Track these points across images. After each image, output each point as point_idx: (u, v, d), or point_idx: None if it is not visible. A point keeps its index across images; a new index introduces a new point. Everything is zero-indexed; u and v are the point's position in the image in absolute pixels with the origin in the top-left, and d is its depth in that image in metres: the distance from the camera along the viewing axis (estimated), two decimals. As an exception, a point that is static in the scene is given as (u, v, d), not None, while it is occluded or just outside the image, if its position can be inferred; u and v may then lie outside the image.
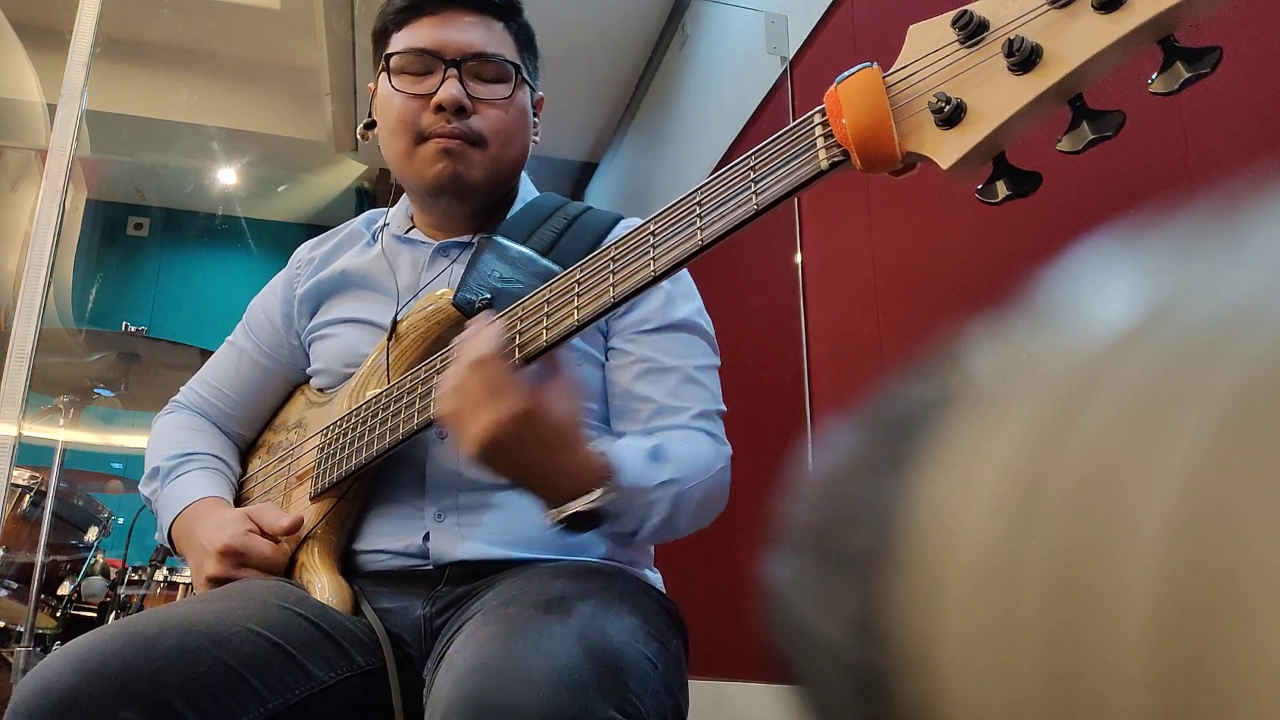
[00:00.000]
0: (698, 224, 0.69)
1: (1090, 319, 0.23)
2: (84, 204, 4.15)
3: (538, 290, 0.80)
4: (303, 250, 1.13)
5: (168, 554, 2.39)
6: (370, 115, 1.04)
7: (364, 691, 0.82)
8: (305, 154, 4.34)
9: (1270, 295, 0.19)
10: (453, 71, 0.96)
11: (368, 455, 0.89)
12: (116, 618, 2.37)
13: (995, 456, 0.22)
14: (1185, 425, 0.18)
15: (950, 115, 0.57)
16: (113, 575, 2.48)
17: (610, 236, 1.00)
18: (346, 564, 0.93)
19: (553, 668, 0.64)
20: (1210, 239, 0.22)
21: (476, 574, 0.88)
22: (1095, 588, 0.18)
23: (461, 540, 0.89)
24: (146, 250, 4.78)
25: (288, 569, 0.94)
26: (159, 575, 2.38)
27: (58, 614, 2.38)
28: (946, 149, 0.58)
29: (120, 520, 2.76)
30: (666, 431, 0.91)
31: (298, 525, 0.91)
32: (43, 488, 2.31)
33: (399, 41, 0.99)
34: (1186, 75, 0.51)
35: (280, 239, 4.70)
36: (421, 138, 0.97)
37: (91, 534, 2.52)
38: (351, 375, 0.99)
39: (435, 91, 0.95)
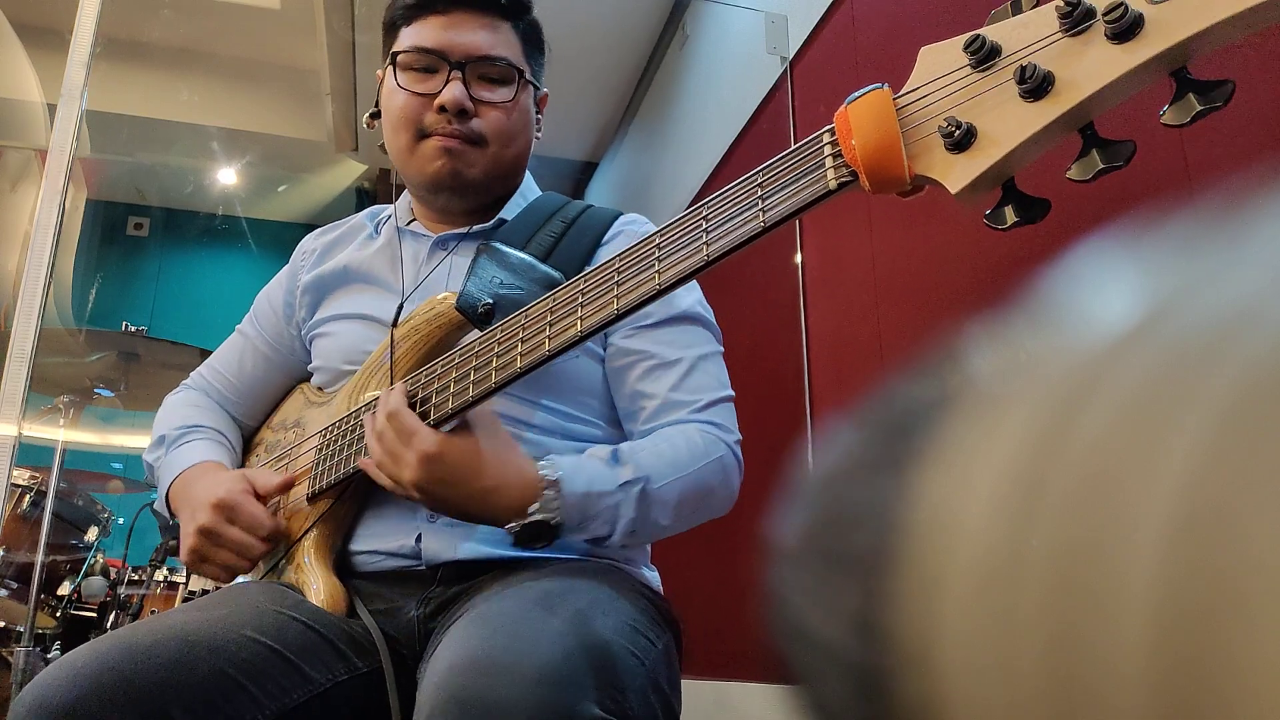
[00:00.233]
0: (704, 239, 0.69)
1: (1090, 319, 0.23)
2: (84, 204, 4.15)
3: (541, 299, 0.80)
4: (307, 241, 1.15)
5: (168, 554, 2.39)
6: (376, 105, 1.06)
7: (362, 694, 0.82)
8: (305, 154, 4.34)
9: (1270, 295, 0.19)
10: (457, 73, 0.97)
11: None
12: (116, 618, 2.37)
13: (995, 456, 0.22)
14: (1185, 425, 0.18)
15: (960, 140, 0.57)
16: (113, 575, 2.47)
17: (609, 233, 1.00)
18: (341, 565, 0.93)
19: (538, 664, 0.64)
20: (1210, 239, 0.22)
21: (469, 574, 0.88)
22: (1095, 588, 0.18)
23: (454, 540, 0.89)
24: (146, 250, 4.78)
25: (285, 570, 0.94)
26: (159, 575, 2.38)
27: (58, 614, 2.38)
28: (956, 173, 0.58)
29: (120, 520, 2.76)
30: (665, 428, 0.91)
31: (288, 485, 0.95)
32: (43, 488, 2.31)
33: (406, 38, 1.00)
34: (1199, 108, 0.51)
35: (280, 239, 4.70)
36: (423, 135, 0.98)
37: (91, 534, 2.52)
38: (351, 374, 1.00)
39: (439, 92, 0.96)
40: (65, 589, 2.41)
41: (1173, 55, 0.51)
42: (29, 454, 2.31)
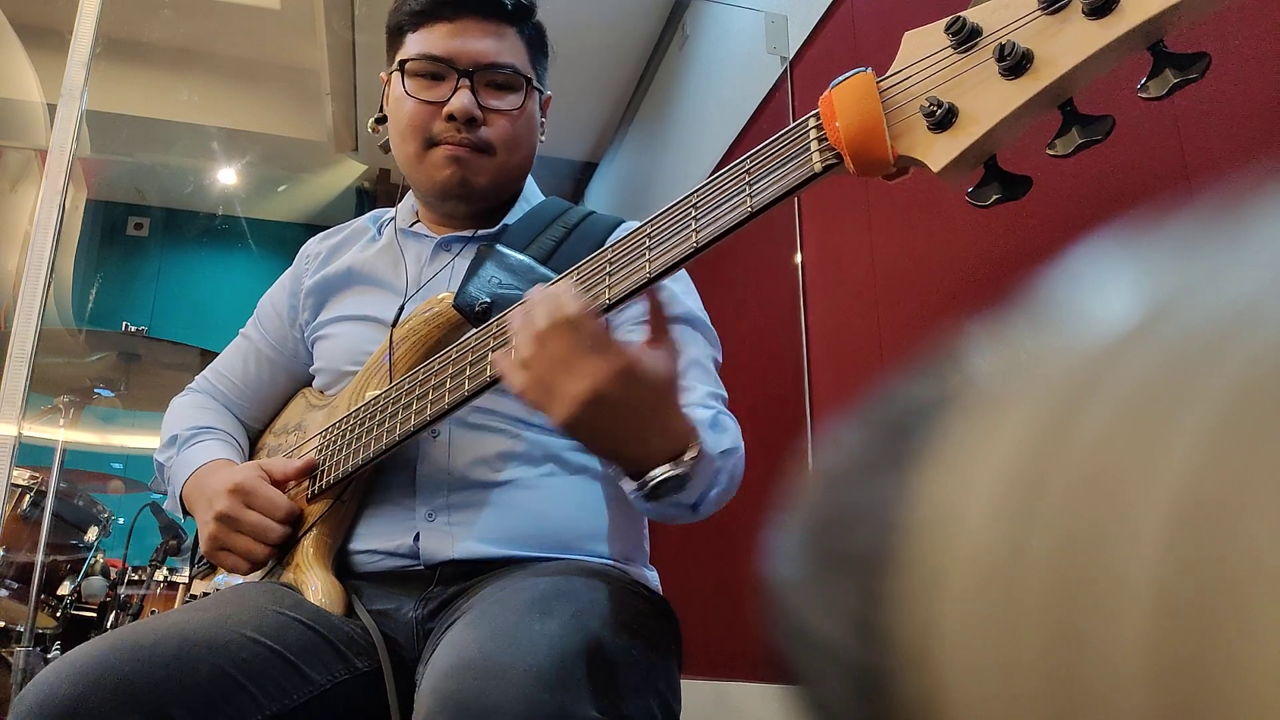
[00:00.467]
0: (693, 226, 0.69)
1: (1090, 319, 0.23)
2: (84, 204, 4.15)
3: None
4: (311, 244, 1.15)
5: (168, 554, 2.39)
6: (382, 110, 1.05)
7: (361, 694, 0.82)
8: (305, 154, 4.34)
9: (1270, 295, 0.19)
10: (465, 82, 0.97)
11: (365, 457, 0.89)
12: (116, 618, 2.37)
13: (995, 456, 0.22)
14: (1185, 425, 0.18)
15: (942, 119, 0.58)
16: (113, 575, 2.47)
17: (609, 239, 1.00)
18: (340, 565, 0.94)
19: (535, 668, 0.64)
20: (1210, 239, 0.22)
21: (467, 574, 0.88)
22: (1095, 587, 0.18)
23: (452, 540, 0.89)
24: (146, 250, 4.78)
25: (283, 569, 0.94)
26: (159, 575, 2.38)
27: (58, 614, 2.38)
28: (938, 152, 0.58)
29: (120, 520, 2.76)
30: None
31: (311, 468, 0.94)
32: (43, 488, 2.31)
33: (413, 45, 1.00)
34: (1175, 80, 0.52)
35: (280, 239, 4.70)
36: (432, 143, 0.99)
37: (91, 534, 2.52)
38: (353, 374, 1.00)
39: (447, 99, 0.97)
40: (65, 589, 2.41)
41: (1148, 29, 0.51)
42: (29, 454, 2.31)
